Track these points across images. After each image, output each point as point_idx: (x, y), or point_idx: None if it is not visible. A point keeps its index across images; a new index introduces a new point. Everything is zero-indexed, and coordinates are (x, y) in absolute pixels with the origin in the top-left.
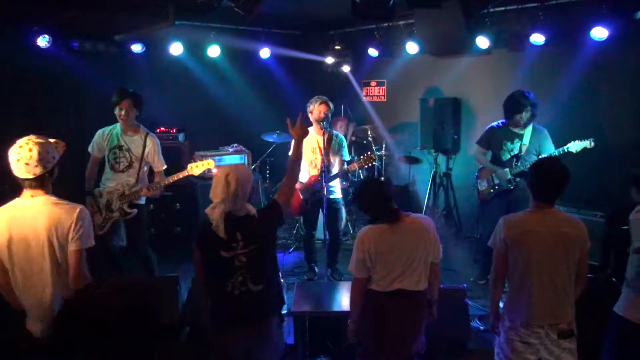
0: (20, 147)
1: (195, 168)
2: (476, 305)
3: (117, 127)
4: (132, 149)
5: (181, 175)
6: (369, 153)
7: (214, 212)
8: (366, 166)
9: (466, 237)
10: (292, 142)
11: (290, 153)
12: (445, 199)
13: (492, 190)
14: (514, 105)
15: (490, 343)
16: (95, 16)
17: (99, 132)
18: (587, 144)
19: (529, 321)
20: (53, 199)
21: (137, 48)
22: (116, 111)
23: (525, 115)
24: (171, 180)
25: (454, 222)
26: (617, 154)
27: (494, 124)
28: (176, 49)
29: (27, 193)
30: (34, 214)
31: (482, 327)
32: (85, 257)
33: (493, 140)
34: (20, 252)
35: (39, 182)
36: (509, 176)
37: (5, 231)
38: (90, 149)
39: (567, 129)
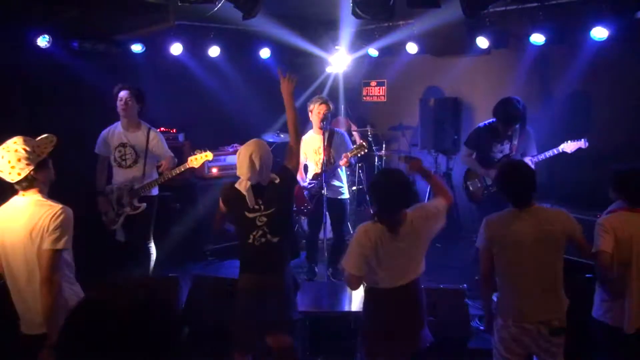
0: None
1: (195, 160)
2: (476, 305)
3: (119, 125)
4: (136, 145)
5: (182, 168)
6: (361, 142)
7: (242, 186)
8: (359, 155)
9: (466, 237)
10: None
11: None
12: None
13: (485, 192)
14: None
15: (490, 343)
16: (95, 16)
17: (104, 132)
18: (581, 143)
19: (519, 319)
20: (38, 199)
21: (137, 48)
22: (117, 103)
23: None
24: (175, 172)
25: (454, 222)
26: (617, 153)
27: (481, 124)
28: (176, 49)
29: (21, 192)
30: (15, 214)
31: (482, 327)
32: (61, 261)
33: (482, 142)
34: (6, 252)
35: (25, 184)
36: None
37: None
38: (97, 149)
39: (567, 129)
